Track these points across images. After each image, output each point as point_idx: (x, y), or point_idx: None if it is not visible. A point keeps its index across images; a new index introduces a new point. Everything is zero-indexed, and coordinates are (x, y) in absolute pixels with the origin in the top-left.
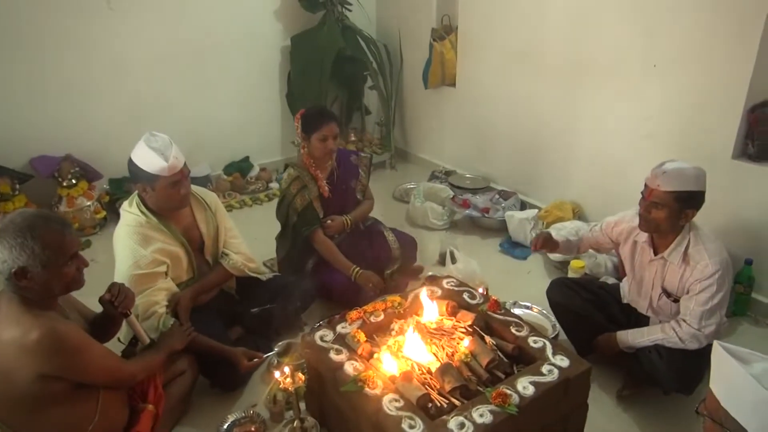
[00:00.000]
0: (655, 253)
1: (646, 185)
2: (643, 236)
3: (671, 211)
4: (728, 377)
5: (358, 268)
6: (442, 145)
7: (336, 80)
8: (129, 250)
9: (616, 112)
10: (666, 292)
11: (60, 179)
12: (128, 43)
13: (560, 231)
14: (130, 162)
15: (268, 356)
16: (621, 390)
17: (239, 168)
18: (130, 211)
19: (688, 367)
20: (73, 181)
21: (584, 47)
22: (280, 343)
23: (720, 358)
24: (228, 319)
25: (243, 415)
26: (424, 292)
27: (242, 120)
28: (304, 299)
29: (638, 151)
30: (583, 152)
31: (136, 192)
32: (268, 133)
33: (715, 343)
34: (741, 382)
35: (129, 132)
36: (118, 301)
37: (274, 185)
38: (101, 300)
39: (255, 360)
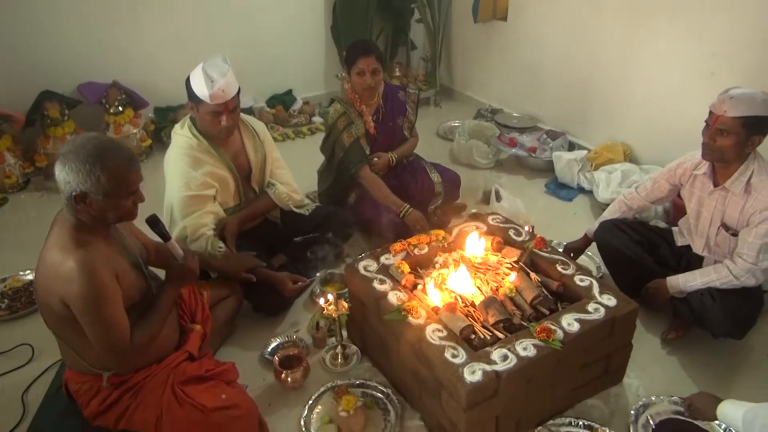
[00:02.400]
0: (716, 185)
1: (711, 112)
2: (703, 168)
3: (738, 137)
4: None
5: (408, 207)
6: (489, 83)
7: (382, 13)
8: (180, 171)
9: (678, 50)
10: (725, 226)
11: (107, 106)
12: None
13: (610, 174)
14: (187, 78)
15: (311, 281)
16: (666, 333)
17: (282, 101)
18: (181, 134)
19: (742, 311)
20: (120, 109)
21: None
22: (321, 272)
23: None
24: (271, 247)
25: (286, 339)
26: (470, 227)
27: (286, 52)
28: (346, 230)
29: (698, 91)
30: (639, 92)
31: (189, 115)
32: (312, 66)
33: None
34: None
35: (174, 61)
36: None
37: (317, 119)
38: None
39: (299, 284)
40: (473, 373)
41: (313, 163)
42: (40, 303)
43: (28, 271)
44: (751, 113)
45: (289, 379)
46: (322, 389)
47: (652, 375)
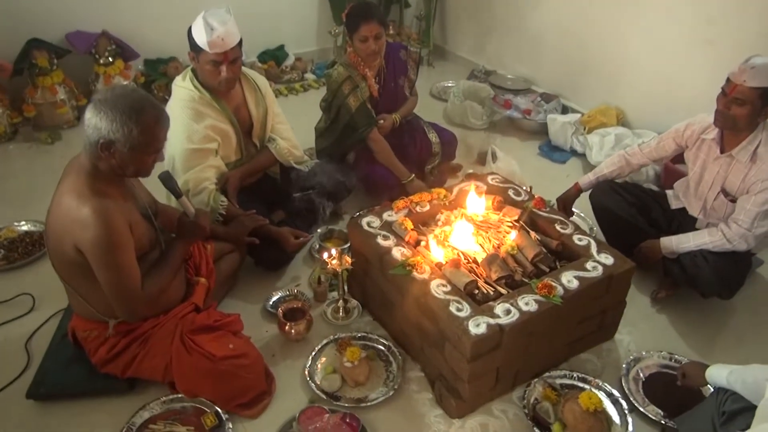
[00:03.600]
0: (722, 152)
1: (728, 80)
2: (712, 134)
3: (753, 108)
4: None
5: (413, 176)
6: (483, 44)
7: None
8: (182, 124)
9: (677, 14)
10: (725, 192)
11: (97, 56)
12: None
13: (604, 137)
14: (189, 28)
15: (313, 236)
16: (656, 292)
17: (274, 56)
18: (183, 86)
19: (732, 273)
20: (110, 59)
21: None
22: (322, 228)
23: None
24: (271, 203)
25: (288, 293)
26: (470, 187)
27: (279, 6)
28: (345, 188)
29: (694, 57)
30: (634, 57)
31: (190, 67)
32: (304, 21)
33: None
34: None
35: (164, 13)
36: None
37: (310, 75)
38: (160, 177)
39: (301, 239)
40: (478, 326)
41: (308, 119)
42: (51, 248)
43: (23, 222)
44: None
45: (293, 331)
46: (324, 341)
47: (643, 331)
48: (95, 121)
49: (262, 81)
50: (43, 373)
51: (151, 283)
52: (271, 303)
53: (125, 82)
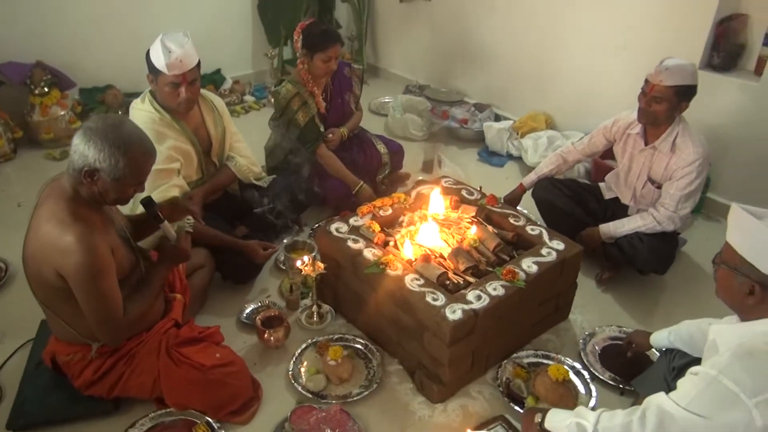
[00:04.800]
0: (646, 144)
1: (647, 81)
2: (636, 129)
3: (670, 104)
4: (747, 231)
5: (362, 184)
6: (414, 60)
7: None
8: None
9: (594, 25)
10: (651, 180)
11: (32, 87)
12: None
13: (537, 140)
14: (147, 51)
15: (280, 247)
16: (600, 274)
17: (212, 80)
18: (142, 108)
19: (665, 250)
20: (46, 89)
21: None
22: (288, 239)
23: (738, 215)
24: (233, 219)
25: (260, 304)
26: (427, 189)
27: (213, 32)
28: (302, 201)
29: (612, 63)
30: (558, 65)
31: (148, 90)
32: (240, 45)
33: (733, 205)
34: (758, 233)
35: (99, 42)
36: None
37: (249, 97)
38: (142, 202)
39: (269, 250)
40: (454, 312)
41: (251, 142)
42: (31, 274)
43: None
44: (683, 82)
45: (272, 338)
46: (303, 345)
47: (592, 310)
48: (83, 148)
49: (218, 102)
50: (21, 403)
51: (133, 307)
52: (245, 315)
53: (62, 112)
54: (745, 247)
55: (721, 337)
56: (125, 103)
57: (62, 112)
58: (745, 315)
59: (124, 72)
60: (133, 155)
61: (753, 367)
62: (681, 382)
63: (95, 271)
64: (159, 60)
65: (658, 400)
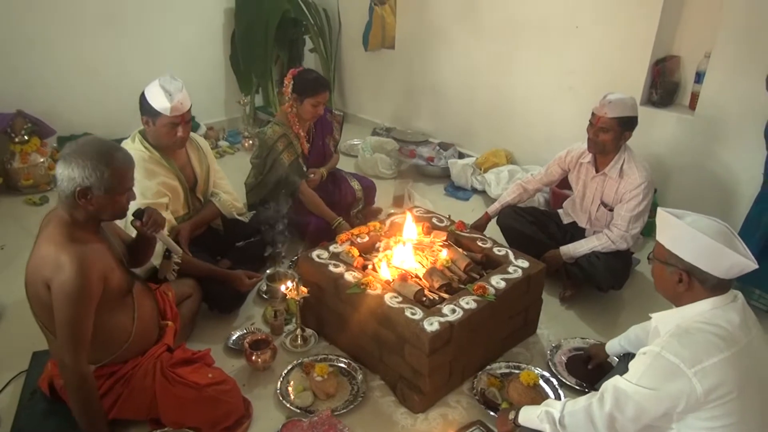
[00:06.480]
0: (597, 171)
1: (593, 114)
2: (588, 158)
3: (615, 133)
4: (671, 228)
5: (340, 220)
6: (380, 105)
7: (277, 42)
8: (136, 182)
9: (544, 68)
10: (603, 204)
11: (12, 135)
12: (76, 1)
13: (499, 174)
14: (142, 94)
15: (263, 276)
16: (563, 292)
17: None
18: (134, 148)
19: (620, 266)
20: (26, 138)
21: (518, 9)
22: (271, 269)
23: (664, 217)
24: (216, 253)
25: (246, 330)
26: (400, 219)
27: (187, 80)
28: (282, 234)
29: (561, 102)
30: (515, 105)
31: (138, 130)
32: (213, 93)
33: (659, 209)
34: (679, 229)
35: (77, 91)
36: (149, 225)
37: (223, 143)
38: (133, 224)
39: (254, 279)
40: (431, 325)
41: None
42: (31, 296)
43: None
44: (625, 114)
45: (259, 360)
46: (290, 366)
47: (557, 325)
48: (68, 173)
49: (203, 142)
50: (18, 430)
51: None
52: (232, 341)
53: (42, 159)
54: (671, 242)
55: (661, 322)
56: None
57: (41, 159)
58: (679, 302)
59: (100, 119)
60: (115, 163)
61: (690, 341)
62: (632, 363)
63: (79, 294)
64: (162, 103)
65: (613, 381)
